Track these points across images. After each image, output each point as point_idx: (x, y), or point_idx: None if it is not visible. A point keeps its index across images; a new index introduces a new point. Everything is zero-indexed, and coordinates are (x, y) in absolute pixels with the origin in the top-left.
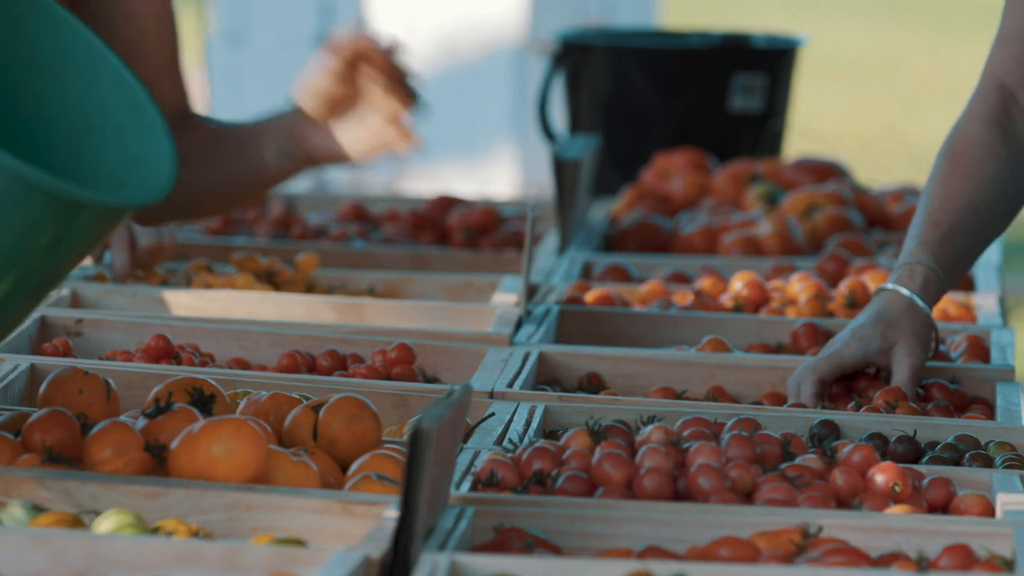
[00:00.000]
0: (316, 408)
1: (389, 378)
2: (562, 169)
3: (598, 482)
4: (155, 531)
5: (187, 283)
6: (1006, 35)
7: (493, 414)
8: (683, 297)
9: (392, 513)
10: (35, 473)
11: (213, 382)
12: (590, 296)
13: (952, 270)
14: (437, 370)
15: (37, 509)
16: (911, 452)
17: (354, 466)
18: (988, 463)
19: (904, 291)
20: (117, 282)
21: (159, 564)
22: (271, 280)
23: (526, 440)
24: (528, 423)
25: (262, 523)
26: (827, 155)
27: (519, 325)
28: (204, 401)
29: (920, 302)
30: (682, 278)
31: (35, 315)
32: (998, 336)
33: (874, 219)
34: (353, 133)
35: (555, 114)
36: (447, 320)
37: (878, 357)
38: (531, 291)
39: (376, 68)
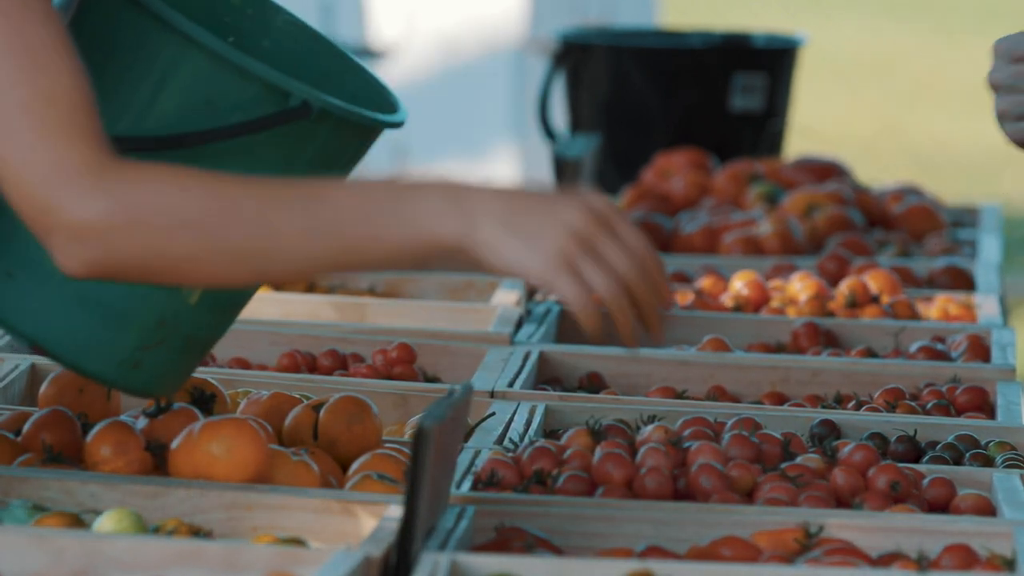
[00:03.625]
0: (316, 408)
1: (390, 378)
2: (563, 169)
3: (599, 482)
4: (155, 531)
5: None
6: None
7: (494, 413)
8: (683, 297)
9: (393, 513)
10: (35, 473)
11: (213, 381)
12: None
13: None
14: (437, 369)
15: (37, 509)
16: (911, 452)
17: (354, 466)
18: (988, 463)
19: None
20: None
21: (159, 563)
22: None
23: (526, 440)
24: (528, 423)
25: (262, 523)
26: (827, 155)
27: (519, 324)
28: (204, 400)
29: None
30: (682, 278)
31: None
32: (999, 336)
33: (874, 219)
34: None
35: (555, 114)
36: (448, 319)
37: None
38: (531, 290)
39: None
